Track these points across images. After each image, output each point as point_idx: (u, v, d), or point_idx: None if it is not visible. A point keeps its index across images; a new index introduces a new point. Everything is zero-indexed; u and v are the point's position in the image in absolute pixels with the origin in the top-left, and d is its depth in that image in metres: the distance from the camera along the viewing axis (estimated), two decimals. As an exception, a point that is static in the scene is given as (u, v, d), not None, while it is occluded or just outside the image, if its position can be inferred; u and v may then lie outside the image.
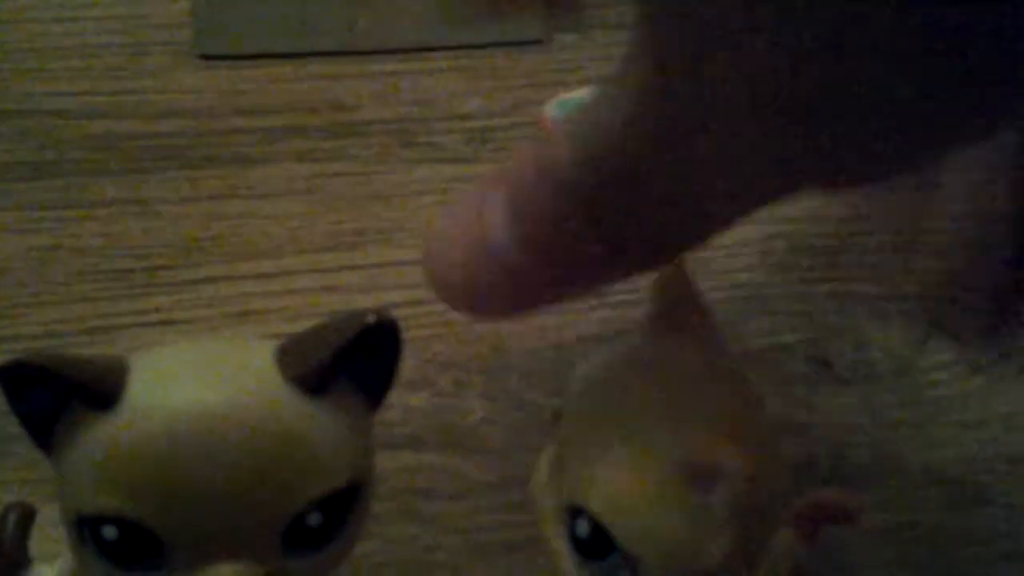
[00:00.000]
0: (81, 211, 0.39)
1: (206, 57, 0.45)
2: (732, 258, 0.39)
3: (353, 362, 0.21)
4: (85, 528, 0.20)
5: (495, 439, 0.32)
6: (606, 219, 0.19)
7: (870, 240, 0.39)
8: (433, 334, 0.35)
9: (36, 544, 0.24)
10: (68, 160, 0.41)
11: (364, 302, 0.36)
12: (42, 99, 0.43)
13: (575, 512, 0.22)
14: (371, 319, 0.21)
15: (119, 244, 0.38)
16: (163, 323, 0.35)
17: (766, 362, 0.35)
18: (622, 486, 0.21)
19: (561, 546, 0.23)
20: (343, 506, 0.21)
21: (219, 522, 0.20)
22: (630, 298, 0.37)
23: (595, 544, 0.22)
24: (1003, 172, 0.26)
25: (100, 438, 0.20)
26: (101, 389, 0.20)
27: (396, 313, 0.21)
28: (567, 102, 0.42)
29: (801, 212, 0.40)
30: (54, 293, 0.36)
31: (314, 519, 0.21)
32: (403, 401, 0.33)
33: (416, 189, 0.40)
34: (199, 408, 0.20)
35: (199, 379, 0.20)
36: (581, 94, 0.42)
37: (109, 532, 0.20)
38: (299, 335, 0.21)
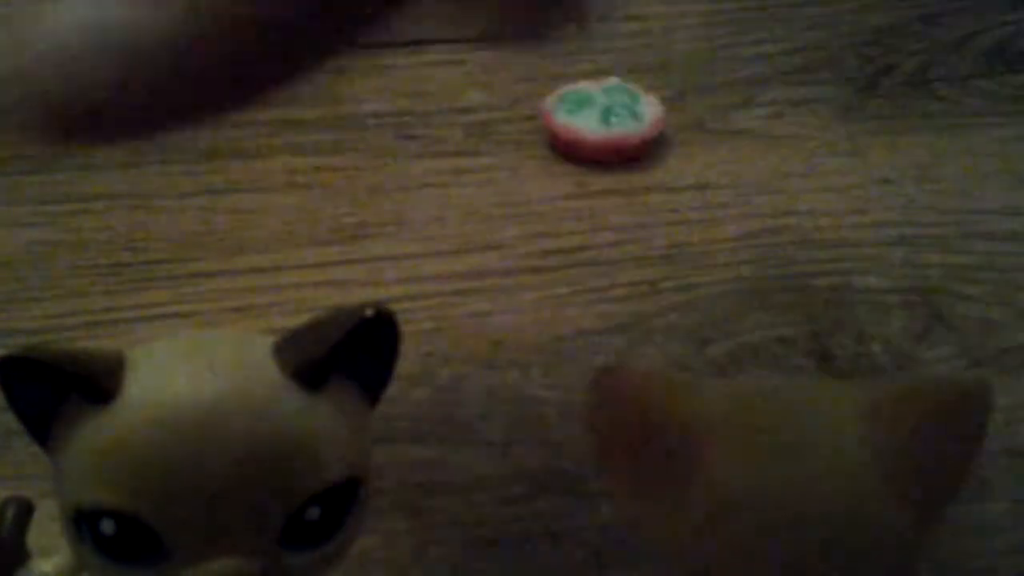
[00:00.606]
0: (80, 205, 0.39)
1: (205, 51, 0.45)
2: (733, 252, 0.38)
3: (352, 356, 0.21)
4: (83, 523, 0.20)
5: (494, 433, 0.32)
6: None
7: (870, 234, 0.39)
8: (432, 328, 0.35)
9: (34, 539, 0.24)
10: (67, 155, 0.41)
11: (363, 296, 0.35)
12: (40, 93, 0.43)
13: None
14: (370, 313, 0.21)
15: (118, 238, 0.38)
16: (161, 317, 0.35)
17: (767, 355, 0.35)
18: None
19: None
20: (341, 501, 0.21)
21: (217, 517, 0.20)
22: (631, 293, 0.37)
23: None
24: None
25: (98, 432, 0.20)
26: (99, 383, 0.20)
27: (395, 307, 0.21)
28: (568, 95, 0.42)
29: (802, 206, 0.40)
30: (53, 287, 0.36)
31: (312, 514, 0.21)
32: (403, 395, 0.33)
33: (416, 183, 0.40)
34: (197, 402, 0.20)
35: (197, 374, 0.20)
36: (581, 87, 0.42)
37: (107, 527, 0.20)
38: (297, 329, 0.21)
